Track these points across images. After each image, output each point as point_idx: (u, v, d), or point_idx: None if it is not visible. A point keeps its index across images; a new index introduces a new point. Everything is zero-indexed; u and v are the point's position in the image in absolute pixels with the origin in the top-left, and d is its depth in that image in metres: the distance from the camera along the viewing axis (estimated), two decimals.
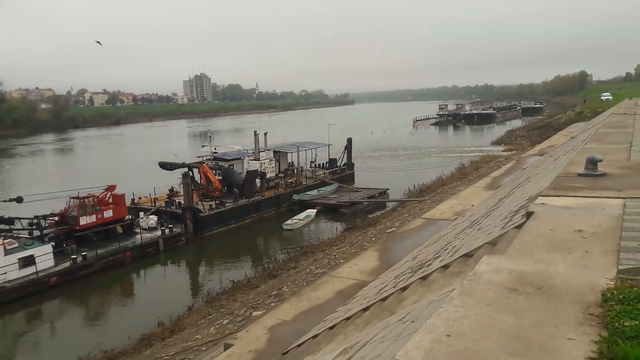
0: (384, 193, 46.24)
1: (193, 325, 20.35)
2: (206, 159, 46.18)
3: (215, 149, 49.75)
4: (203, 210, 37.83)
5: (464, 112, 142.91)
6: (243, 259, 33.25)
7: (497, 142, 77.37)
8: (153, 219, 35.78)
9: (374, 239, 27.97)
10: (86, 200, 32.36)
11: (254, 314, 19.36)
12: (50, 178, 61.71)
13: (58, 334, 24.27)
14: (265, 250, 35.15)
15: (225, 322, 19.02)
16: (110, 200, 34.21)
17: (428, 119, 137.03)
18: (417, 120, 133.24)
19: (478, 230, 10.22)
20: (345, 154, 53.05)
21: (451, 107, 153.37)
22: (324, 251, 28.66)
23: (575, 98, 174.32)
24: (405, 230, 18.28)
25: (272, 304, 19.81)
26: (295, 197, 44.08)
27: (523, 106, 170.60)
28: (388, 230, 29.01)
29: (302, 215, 40.02)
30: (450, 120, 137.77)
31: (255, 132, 46.71)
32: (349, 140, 53.10)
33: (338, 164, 52.82)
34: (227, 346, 10.17)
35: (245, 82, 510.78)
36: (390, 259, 16.29)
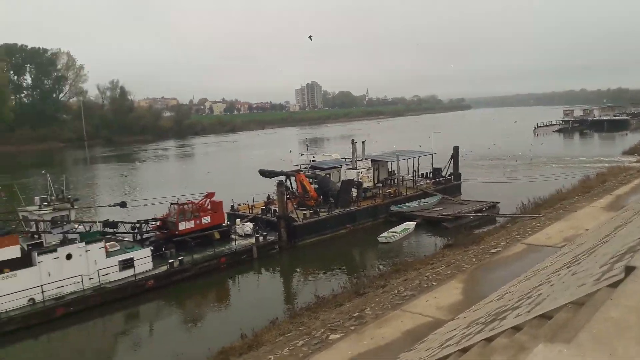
0: (493, 207, 42.76)
1: (271, 342, 19.58)
2: (304, 168, 45.93)
3: (313, 157, 49.49)
4: (297, 219, 37.42)
5: (591, 118, 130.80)
6: (333, 271, 32.17)
7: (630, 152, 69.01)
8: (249, 226, 36.02)
9: (474, 259, 25.28)
10: (185, 206, 33.25)
11: (331, 337, 18.13)
12: (160, 183, 65.59)
13: (146, 338, 24.81)
14: (357, 264, 33.77)
15: (300, 343, 17.93)
16: (209, 207, 34.90)
17: (551, 125, 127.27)
18: (538, 127, 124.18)
19: (572, 275, 8.35)
20: (451, 164, 50.07)
21: (577, 112, 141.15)
22: (417, 270, 26.57)
23: None
24: (502, 257, 16.01)
25: (352, 327, 18.38)
26: (394, 208, 42.22)
27: None
28: (492, 251, 26.19)
29: (399, 228, 38.11)
30: (576, 127, 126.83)
31: (352, 140, 45.63)
32: (456, 149, 50.08)
33: (443, 173, 50.02)
34: None
35: (355, 88, 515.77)
36: (475, 294, 14.28)
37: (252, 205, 40.58)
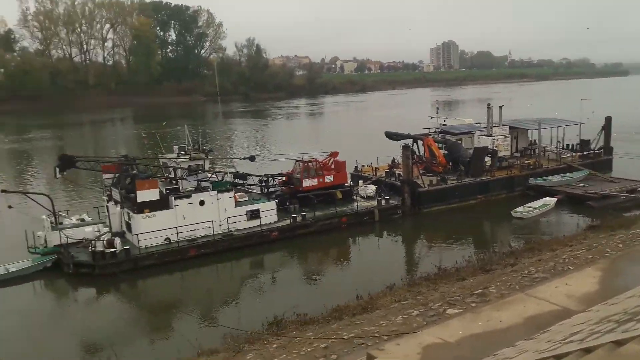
0: None
1: (385, 307, 19.07)
2: (432, 132, 43.84)
3: (444, 121, 47.00)
4: (422, 186, 35.95)
5: None
6: (458, 243, 30.46)
7: None
8: (371, 189, 35.45)
9: (620, 245, 22.26)
10: (310, 164, 33.48)
11: (449, 311, 17.12)
12: (288, 139, 67.11)
13: (268, 285, 25.67)
14: (485, 238, 31.66)
15: (414, 313, 17.14)
16: (332, 166, 34.83)
17: None
18: None
19: None
20: (602, 136, 44.60)
21: None
22: (553, 251, 24.07)
23: None
24: None
25: (473, 304, 17.18)
26: (532, 181, 38.74)
27: None
28: None
29: (537, 203, 34.94)
30: None
31: (488, 104, 42.34)
32: (608, 120, 44.46)
33: (592, 147, 44.79)
34: (369, 357, 8.39)
35: (496, 49, 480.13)
36: (614, 286, 12.35)
37: (376, 168, 39.81)
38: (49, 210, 27.05)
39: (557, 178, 39.15)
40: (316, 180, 33.42)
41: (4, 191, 31.57)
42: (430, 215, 35.15)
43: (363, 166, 41.20)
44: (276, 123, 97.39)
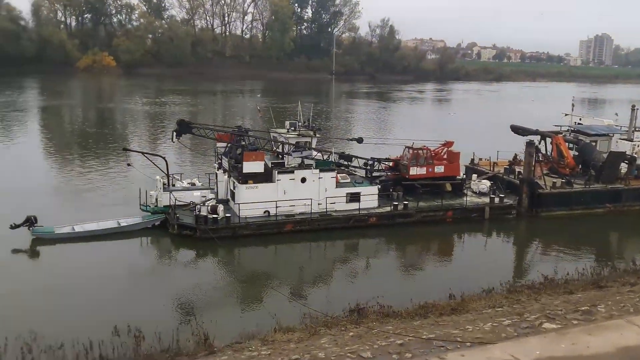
0: None
1: (477, 311, 17.74)
2: (564, 130, 39.88)
3: (579, 119, 42.57)
4: (544, 187, 32.95)
5: None
6: (575, 254, 27.53)
7: None
8: (485, 184, 33.25)
9: None
10: (420, 151, 32.15)
11: (545, 325, 15.40)
12: (406, 124, 65.14)
13: (360, 270, 25.34)
14: (608, 252, 28.36)
15: (506, 322, 15.65)
16: (445, 156, 33.17)
17: None
18: None
19: None
20: None
21: None
22: None
23: None
24: None
25: (574, 322, 15.33)
26: None
27: None
28: None
29: None
30: None
31: (633, 106, 37.50)
32: None
33: None
34: None
35: None
36: None
37: (494, 162, 37.19)
38: (164, 172, 28.72)
39: None
40: (425, 169, 32.03)
41: (125, 149, 34.38)
42: (548, 219, 32.25)
43: (480, 159, 38.75)
44: (397, 106, 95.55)
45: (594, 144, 37.86)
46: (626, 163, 35.16)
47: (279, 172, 27.87)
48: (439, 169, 32.40)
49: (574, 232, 30.73)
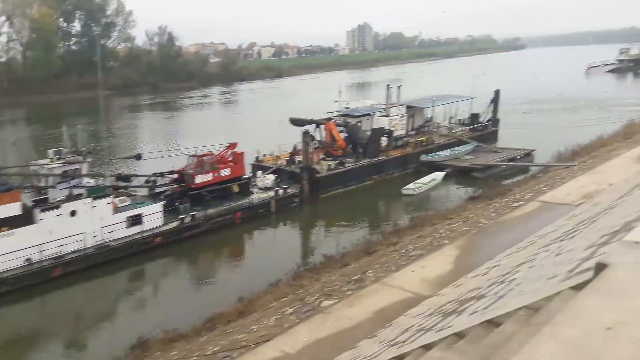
0: (528, 155, 39.99)
1: (263, 308, 18.65)
2: (335, 116, 44.19)
3: (347, 103, 47.53)
4: (321, 171, 36.15)
5: None
6: (352, 227, 30.95)
7: None
8: (270, 179, 35.02)
9: (494, 214, 23.54)
10: (204, 158, 32.45)
11: (324, 303, 17.13)
12: (191, 132, 64.63)
13: (143, 300, 24.16)
14: (377, 219, 32.32)
15: (289, 311, 16.97)
16: (230, 159, 33.97)
17: (605, 65, 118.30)
18: (590, 67, 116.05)
19: (557, 256, 6.79)
20: (491, 109, 46.91)
21: (635, 50, 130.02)
22: (434, 225, 25.04)
23: None
24: (510, 218, 14.41)
25: (349, 292, 17.40)
26: (424, 157, 40.15)
27: None
28: (514, 204, 24.31)
29: (426, 179, 36.27)
30: (631, 66, 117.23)
31: (388, 85, 43.24)
32: (496, 93, 46.79)
33: (481, 119, 47.02)
34: None
35: (408, 30, 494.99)
36: (467, 264, 12.80)
37: (277, 157, 39.49)
38: None
39: (446, 152, 40.81)
40: (211, 175, 32.33)
41: None
42: (327, 200, 35.43)
43: (264, 155, 40.71)
44: (183, 115, 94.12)
45: (359, 124, 42.68)
46: (386, 136, 40.40)
47: (41, 210, 24.39)
48: (225, 172, 32.85)
49: (349, 207, 34.46)
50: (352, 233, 29.19)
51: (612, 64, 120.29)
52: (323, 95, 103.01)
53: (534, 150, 40.34)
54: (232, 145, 34.28)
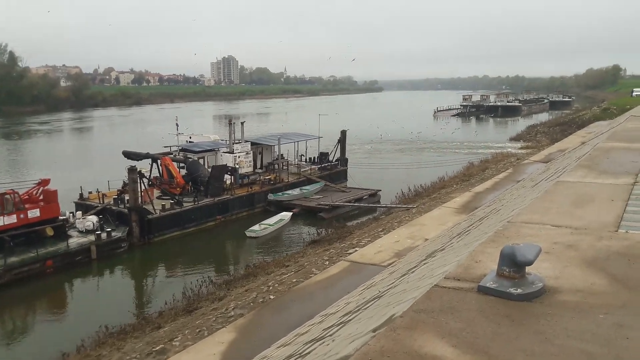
0: (374, 195, 40.30)
1: None
2: (174, 150, 41.05)
3: (189, 137, 44.70)
4: (153, 211, 32.63)
5: (487, 104, 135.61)
6: (183, 275, 27.82)
7: (517, 138, 70.22)
8: (91, 220, 30.64)
9: (327, 262, 22.23)
10: (6, 196, 27.48)
11: None
12: (16, 165, 57.25)
13: None
14: (214, 264, 29.48)
15: None
16: (41, 197, 29.34)
17: (450, 109, 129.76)
18: (438, 111, 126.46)
19: (358, 323, 5.66)
20: (338, 148, 47.09)
21: (476, 97, 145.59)
22: (268, 274, 23.06)
23: (606, 93, 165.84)
24: (309, 285, 12.59)
25: None
26: (271, 196, 38.53)
27: (551, 99, 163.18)
28: (350, 251, 23.25)
29: (273, 220, 34.56)
30: (473, 111, 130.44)
31: (230, 120, 41.26)
32: (343, 133, 47.16)
33: (330, 158, 46.95)
34: None
35: (273, 66, 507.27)
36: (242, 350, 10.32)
37: (103, 194, 35.01)
38: None
39: (295, 191, 39.69)
40: (15, 216, 27.54)
41: None
42: (162, 244, 31.98)
43: (90, 192, 36.09)
44: (18, 143, 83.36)
45: (201, 160, 40.05)
46: (229, 174, 38.15)
47: None
48: (34, 213, 28.28)
49: (186, 252, 31.34)
50: (184, 283, 26.00)
51: (457, 108, 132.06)
52: (184, 126, 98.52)
53: (379, 190, 40.78)
54: (44, 182, 29.61)
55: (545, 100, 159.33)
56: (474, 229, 8.63)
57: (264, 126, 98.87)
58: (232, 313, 18.07)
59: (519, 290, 3.84)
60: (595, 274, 4.41)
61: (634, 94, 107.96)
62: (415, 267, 8.41)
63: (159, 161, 37.62)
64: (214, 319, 18.21)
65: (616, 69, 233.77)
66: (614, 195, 6.91)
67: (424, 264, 8.61)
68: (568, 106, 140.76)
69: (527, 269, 3.95)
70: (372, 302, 7.01)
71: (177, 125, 42.85)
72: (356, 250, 18.88)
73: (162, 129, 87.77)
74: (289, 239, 32.73)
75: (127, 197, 33.50)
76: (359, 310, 7.01)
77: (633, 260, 4.67)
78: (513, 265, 3.82)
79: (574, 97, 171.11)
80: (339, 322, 7.00)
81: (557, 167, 13.96)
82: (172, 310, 20.65)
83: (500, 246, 4.35)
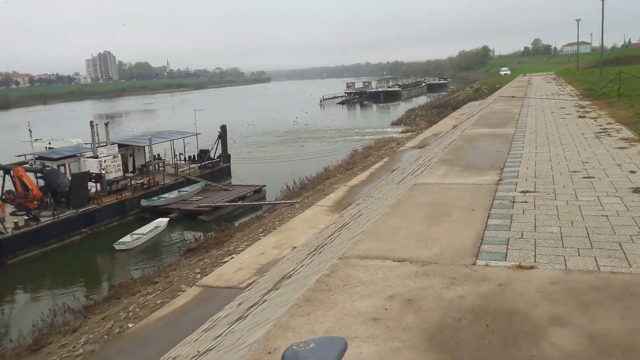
0: (259, 191, 38.48)
1: None
2: (30, 158, 36.26)
3: (49, 143, 39.83)
4: (4, 231, 28.32)
5: (370, 90, 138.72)
6: (39, 302, 24.24)
7: (397, 123, 71.75)
8: None
9: (199, 275, 20.17)
10: None
11: None
12: None
13: None
14: (77, 286, 25.98)
15: None
16: None
17: (335, 97, 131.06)
18: (324, 99, 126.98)
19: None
20: (219, 144, 44.58)
21: (359, 84, 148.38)
22: (133, 295, 20.46)
23: (478, 73, 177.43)
24: (147, 324, 10.59)
25: None
26: (144, 202, 35.29)
27: (428, 82, 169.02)
28: (225, 259, 21.33)
29: (146, 228, 31.48)
30: (357, 98, 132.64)
31: (91, 122, 37.16)
32: (223, 128, 44.74)
33: (211, 155, 44.31)
34: None
35: (155, 60, 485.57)
36: None
37: None
38: None
39: (173, 194, 36.79)
40: None
41: None
42: (18, 267, 27.86)
43: None
44: None
45: (62, 168, 35.75)
46: (94, 181, 34.33)
47: None
48: None
49: (46, 274, 27.53)
50: (40, 312, 22.53)
51: (341, 96, 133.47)
52: (55, 130, 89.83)
53: (264, 186, 39.06)
54: None
55: (423, 84, 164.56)
56: (305, 265, 7.13)
57: (152, 123, 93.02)
58: (81, 350, 15.50)
59: None
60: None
61: (502, 72, 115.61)
62: (254, 304, 6.75)
63: (11, 172, 32.92)
64: (66, 354, 15.57)
65: (485, 50, 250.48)
66: (475, 201, 5.78)
67: (281, 282, 7.05)
68: (444, 88, 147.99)
69: None
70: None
71: (30, 130, 37.91)
72: (224, 264, 17.05)
73: (21, 135, 79.35)
74: (164, 249, 30.02)
75: None
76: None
77: (492, 326, 3.33)
78: None
79: (449, 79, 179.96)
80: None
81: (424, 159, 13.09)
82: (15, 351, 17.52)
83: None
